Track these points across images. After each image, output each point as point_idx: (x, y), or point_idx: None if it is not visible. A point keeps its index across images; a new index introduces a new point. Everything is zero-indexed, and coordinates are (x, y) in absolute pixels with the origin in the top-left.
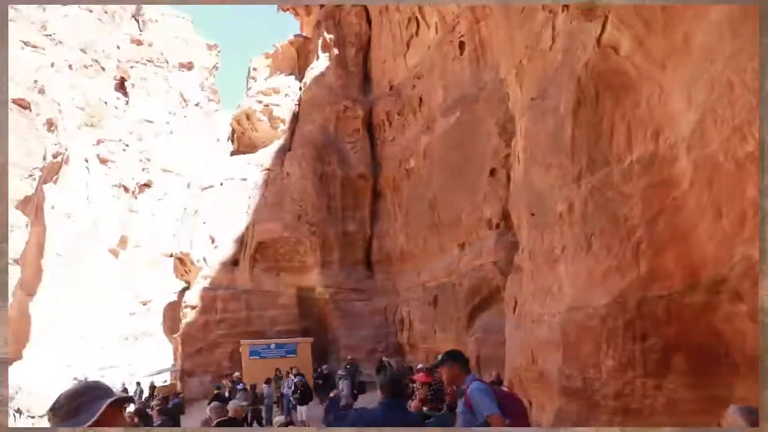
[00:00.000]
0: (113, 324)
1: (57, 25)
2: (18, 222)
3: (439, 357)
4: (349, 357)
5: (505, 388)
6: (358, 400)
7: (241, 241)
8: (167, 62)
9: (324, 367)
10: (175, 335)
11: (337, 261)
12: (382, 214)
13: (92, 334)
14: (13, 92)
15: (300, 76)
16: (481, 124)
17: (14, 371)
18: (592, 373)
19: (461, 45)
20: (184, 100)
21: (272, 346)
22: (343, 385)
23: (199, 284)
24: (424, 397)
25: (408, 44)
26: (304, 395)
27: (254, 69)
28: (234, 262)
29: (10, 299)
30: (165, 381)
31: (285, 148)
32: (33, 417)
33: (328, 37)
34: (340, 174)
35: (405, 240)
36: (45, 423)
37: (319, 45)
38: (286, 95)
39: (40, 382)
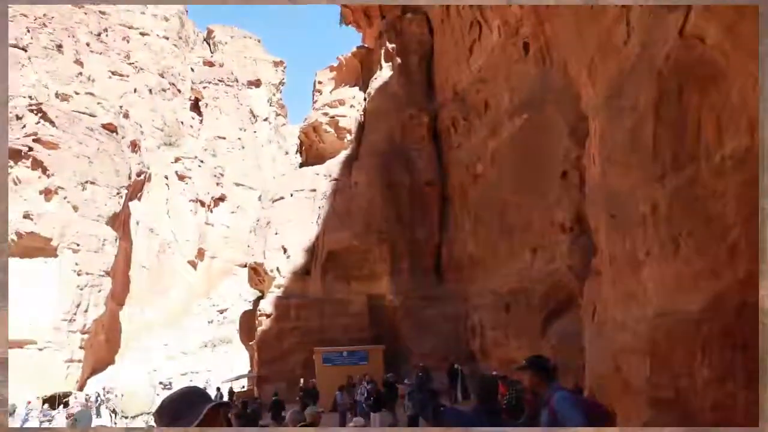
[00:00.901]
0: (193, 331)
1: (138, 54)
2: (108, 237)
3: (523, 362)
4: (420, 364)
5: (590, 398)
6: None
7: (312, 251)
8: (237, 81)
9: (389, 375)
10: (251, 343)
11: (407, 268)
12: (451, 221)
13: (175, 341)
14: (103, 118)
15: (364, 87)
16: (550, 125)
17: (107, 375)
18: (686, 383)
19: (526, 46)
20: (254, 116)
21: (344, 353)
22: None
23: (273, 293)
24: (502, 406)
25: (471, 49)
26: (377, 402)
27: (319, 82)
28: (306, 271)
29: (103, 309)
30: (243, 387)
31: (352, 158)
32: (127, 417)
33: (391, 46)
34: (408, 182)
35: (474, 246)
36: (138, 423)
37: (382, 55)
38: (351, 106)
39: (130, 385)
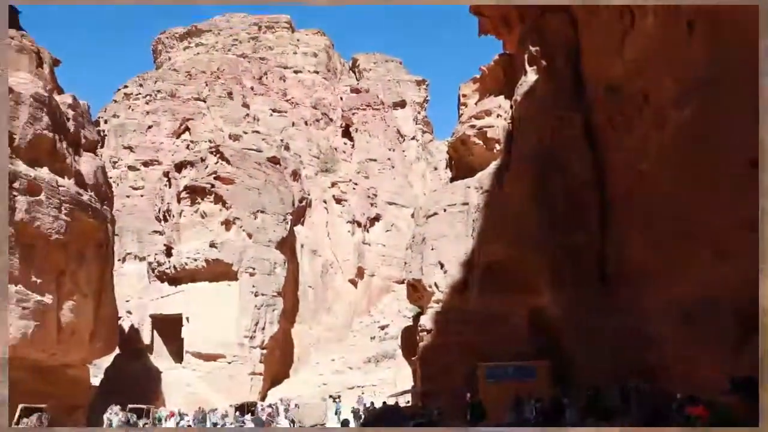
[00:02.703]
0: (357, 347)
1: (293, 90)
2: (278, 260)
3: (729, 384)
4: (590, 385)
5: None
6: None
7: (469, 265)
8: (383, 104)
9: (556, 393)
10: (413, 358)
11: (568, 278)
12: (614, 225)
13: (341, 357)
14: (268, 152)
15: (510, 94)
16: (728, 110)
17: (282, 387)
18: None
19: (690, 25)
20: (401, 136)
21: (510, 369)
22: (568, 414)
23: (432, 308)
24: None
25: (623, 39)
26: (546, 421)
27: (464, 95)
28: (464, 285)
29: (277, 327)
30: (407, 402)
31: (503, 168)
32: (303, 427)
33: (534, 49)
34: (562, 186)
35: (643, 251)
36: None
37: (526, 60)
38: (498, 116)
39: (304, 397)
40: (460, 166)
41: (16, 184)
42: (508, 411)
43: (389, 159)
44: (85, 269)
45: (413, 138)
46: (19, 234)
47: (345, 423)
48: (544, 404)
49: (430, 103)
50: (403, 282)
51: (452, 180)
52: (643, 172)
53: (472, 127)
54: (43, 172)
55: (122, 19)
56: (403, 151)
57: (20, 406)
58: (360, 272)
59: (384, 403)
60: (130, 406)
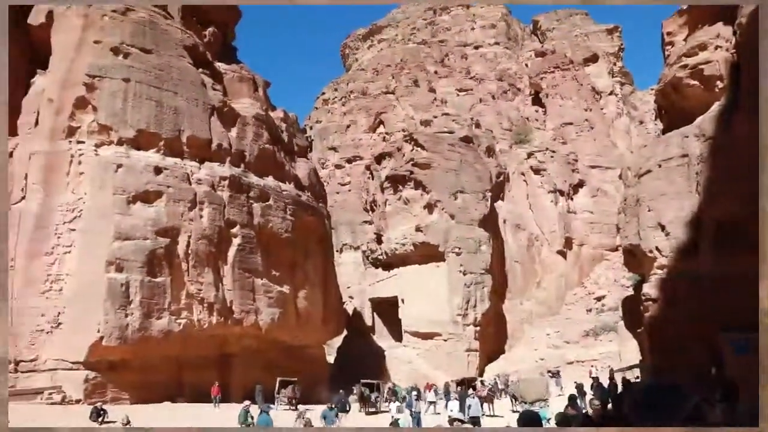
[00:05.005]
0: (573, 321)
1: (476, 66)
2: (482, 238)
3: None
4: None
5: None
6: None
7: (696, 224)
8: (572, 62)
9: None
10: (638, 330)
11: None
12: None
13: (556, 331)
14: (459, 133)
15: (730, 18)
16: None
17: (499, 363)
18: None
19: None
20: (597, 93)
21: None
22: None
23: (656, 275)
24: None
25: None
26: None
27: (668, 33)
28: (692, 247)
29: (487, 304)
30: (637, 377)
31: (730, 108)
32: (525, 402)
33: None
34: None
35: None
36: (535, 408)
37: None
38: (716, 48)
39: (522, 373)
40: (673, 114)
41: (251, 194)
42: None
43: (586, 120)
44: (311, 261)
45: (611, 93)
46: (258, 235)
47: (572, 398)
48: None
49: (625, 51)
50: (616, 249)
51: (664, 132)
52: None
53: (684, 67)
54: (269, 180)
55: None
56: (601, 108)
57: (278, 379)
58: (568, 243)
59: (611, 379)
60: (362, 381)
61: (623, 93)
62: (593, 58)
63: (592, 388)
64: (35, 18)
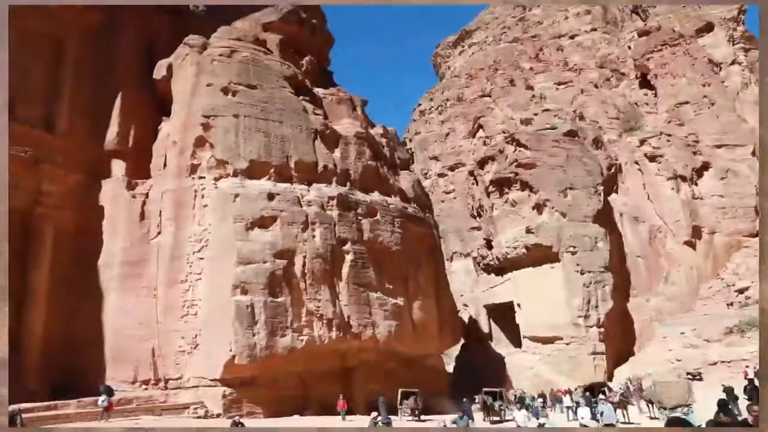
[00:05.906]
0: (711, 316)
1: (574, 56)
2: (598, 234)
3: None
4: None
5: None
6: None
7: None
8: (681, 36)
9: None
10: None
11: None
12: None
13: (691, 329)
14: (562, 128)
15: None
16: None
17: (629, 366)
18: None
19: None
20: (715, 65)
21: None
22: None
23: None
24: None
25: None
26: None
27: None
28: None
29: (610, 303)
30: None
31: None
32: (665, 408)
33: None
34: None
35: None
36: (676, 414)
37: None
38: None
39: (657, 376)
40: None
41: (358, 210)
42: None
43: (705, 96)
44: (422, 272)
45: (733, 62)
46: (369, 250)
47: (723, 404)
48: None
49: (747, 12)
50: (756, 235)
51: None
52: None
53: None
54: (375, 196)
55: (401, 40)
56: (722, 81)
57: (400, 390)
58: (696, 232)
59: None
60: (484, 389)
61: (749, 60)
62: (707, 28)
63: (745, 391)
64: (158, 72)
